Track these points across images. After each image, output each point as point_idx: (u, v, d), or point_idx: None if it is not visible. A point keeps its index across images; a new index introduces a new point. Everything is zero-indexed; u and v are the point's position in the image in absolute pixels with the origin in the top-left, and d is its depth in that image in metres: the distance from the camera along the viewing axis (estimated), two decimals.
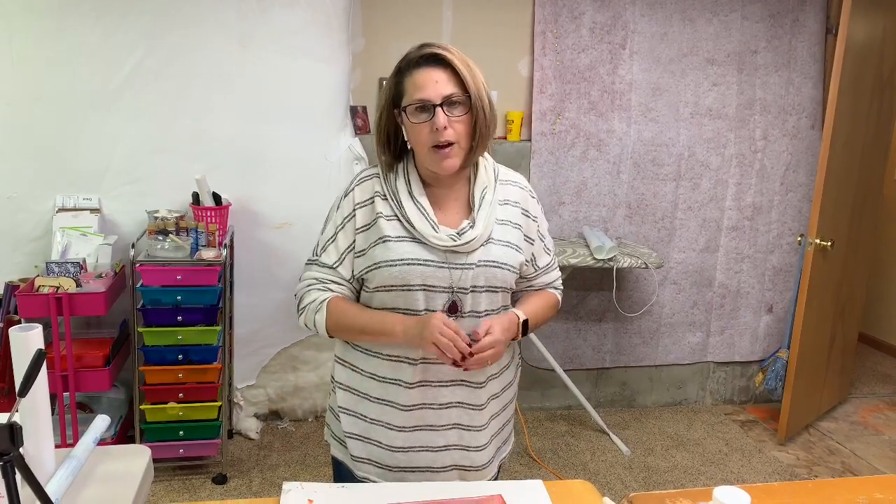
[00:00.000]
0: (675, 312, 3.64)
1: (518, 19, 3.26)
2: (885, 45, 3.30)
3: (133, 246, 2.63)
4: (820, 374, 3.52)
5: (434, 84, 1.27)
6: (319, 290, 1.39)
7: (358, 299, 1.42)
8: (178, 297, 2.62)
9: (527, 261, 1.43)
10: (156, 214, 2.76)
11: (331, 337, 1.40)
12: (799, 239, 3.37)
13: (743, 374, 3.80)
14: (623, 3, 3.28)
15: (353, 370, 1.43)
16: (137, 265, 2.61)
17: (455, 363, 1.27)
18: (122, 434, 2.84)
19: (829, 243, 3.10)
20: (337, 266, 1.38)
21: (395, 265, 1.30)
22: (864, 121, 3.30)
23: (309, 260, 1.44)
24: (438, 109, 1.27)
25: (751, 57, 3.45)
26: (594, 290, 3.50)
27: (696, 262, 3.60)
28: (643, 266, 3.10)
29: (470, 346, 1.27)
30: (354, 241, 1.37)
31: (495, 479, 1.51)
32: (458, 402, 1.38)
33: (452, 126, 1.28)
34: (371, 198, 1.37)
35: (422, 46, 1.31)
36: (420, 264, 1.30)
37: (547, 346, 3.35)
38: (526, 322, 1.39)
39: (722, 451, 3.28)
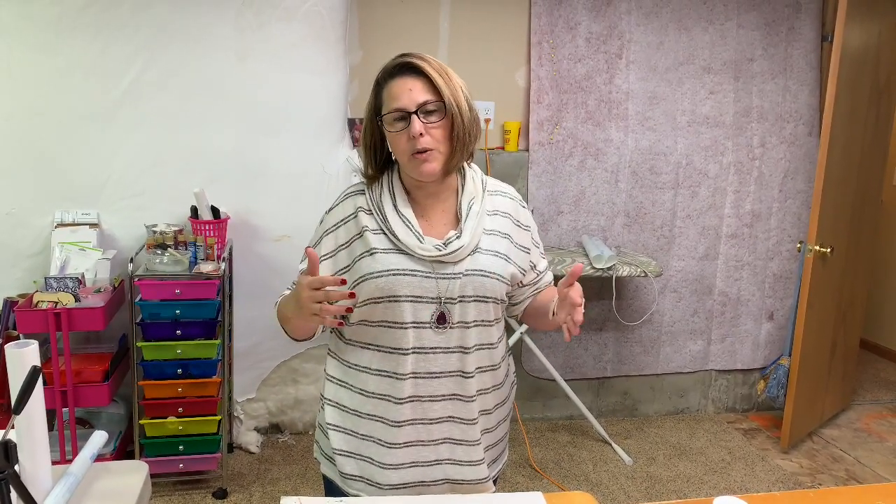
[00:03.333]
0: (675, 321, 3.63)
1: (514, 30, 3.27)
2: (881, 51, 3.31)
3: (132, 260, 2.63)
4: (822, 380, 3.50)
5: (408, 92, 1.28)
6: (288, 289, 1.41)
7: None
8: (177, 311, 2.62)
9: (523, 270, 1.43)
10: (154, 228, 2.76)
11: (295, 339, 1.39)
12: (798, 246, 3.36)
13: (745, 382, 3.79)
14: (619, 12, 3.30)
15: (341, 386, 1.42)
16: (136, 279, 2.61)
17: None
18: (122, 449, 2.82)
19: (829, 249, 3.10)
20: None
21: (382, 276, 1.30)
22: (861, 126, 3.30)
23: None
24: (414, 117, 1.28)
25: (747, 65, 3.46)
26: (594, 299, 3.50)
27: (696, 269, 3.60)
28: (643, 275, 3.10)
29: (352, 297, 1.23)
30: (336, 253, 1.38)
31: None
32: (450, 417, 1.37)
33: (429, 133, 1.29)
34: (354, 213, 1.37)
35: (397, 57, 1.32)
36: (407, 274, 1.30)
37: (548, 356, 3.34)
38: None
39: (725, 460, 3.26)
